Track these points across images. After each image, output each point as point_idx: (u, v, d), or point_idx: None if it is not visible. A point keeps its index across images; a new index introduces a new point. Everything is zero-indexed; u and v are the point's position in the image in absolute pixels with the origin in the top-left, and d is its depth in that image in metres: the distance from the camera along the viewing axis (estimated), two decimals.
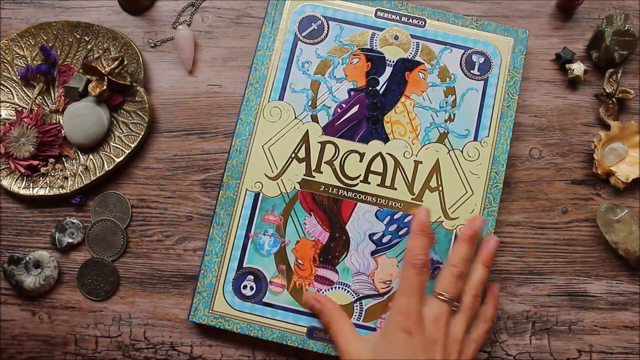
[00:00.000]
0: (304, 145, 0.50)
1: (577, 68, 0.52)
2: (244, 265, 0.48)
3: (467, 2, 0.54)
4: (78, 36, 0.53)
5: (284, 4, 0.52)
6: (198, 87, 0.53)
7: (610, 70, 0.52)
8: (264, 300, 0.48)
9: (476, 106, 0.50)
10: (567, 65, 0.53)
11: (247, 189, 0.49)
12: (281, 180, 0.49)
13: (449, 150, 0.50)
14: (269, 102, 0.50)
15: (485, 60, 0.51)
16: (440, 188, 0.49)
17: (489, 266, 0.46)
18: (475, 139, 0.50)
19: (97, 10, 0.55)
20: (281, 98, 0.50)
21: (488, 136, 0.50)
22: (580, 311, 0.50)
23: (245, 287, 0.48)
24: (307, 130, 0.50)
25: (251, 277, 0.48)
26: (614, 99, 0.52)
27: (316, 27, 0.52)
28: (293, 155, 0.50)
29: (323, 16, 0.52)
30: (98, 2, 0.55)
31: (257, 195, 0.49)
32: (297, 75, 0.51)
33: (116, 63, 0.51)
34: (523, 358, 0.49)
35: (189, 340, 0.50)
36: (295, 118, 0.50)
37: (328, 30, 0.52)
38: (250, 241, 0.49)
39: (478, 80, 0.51)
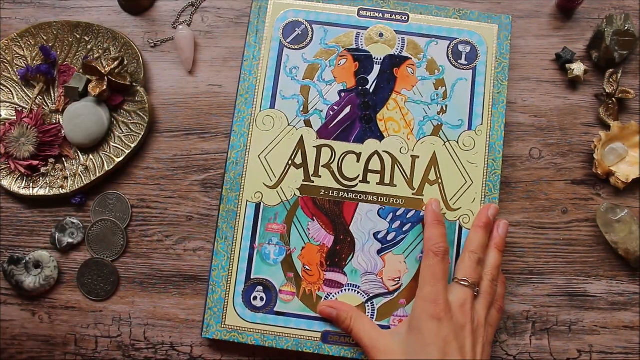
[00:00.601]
0: (300, 151, 0.50)
1: (577, 68, 0.52)
2: (252, 277, 0.48)
3: (467, 2, 0.54)
4: (78, 36, 0.53)
5: (266, 12, 0.52)
6: (198, 87, 0.53)
7: (610, 70, 0.52)
8: (275, 309, 0.48)
9: (467, 96, 0.51)
10: (567, 65, 0.53)
11: (247, 201, 0.49)
12: (280, 188, 0.49)
13: (445, 142, 0.50)
14: (260, 111, 0.50)
15: (472, 49, 0.51)
16: (440, 180, 0.49)
17: (502, 250, 0.47)
18: (470, 128, 0.50)
19: (97, 10, 0.55)
20: (272, 106, 0.50)
21: (482, 124, 0.50)
22: (580, 311, 0.50)
23: (255, 298, 0.48)
24: (302, 136, 0.50)
25: (260, 287, 0.48)
26: (614, 99, 0.52)
27: (300, 32, 0.52)
28: (290, 162, 0.50)
29: (306, 20, 0.52)
30: (98, 2, 0.55)
31: (258, 205, 0.49)
32: (286, 82, 0.51)
33: (116, 63, 0.51)
34: (523, 358, 0.49)
35: (189, 340, 0.50)
36: (289, 125, 0.50)
37: (312, 34, 0.52)
38: (255, 252, 0.48)
39: (466, 69, 0.51)
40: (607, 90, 0.52)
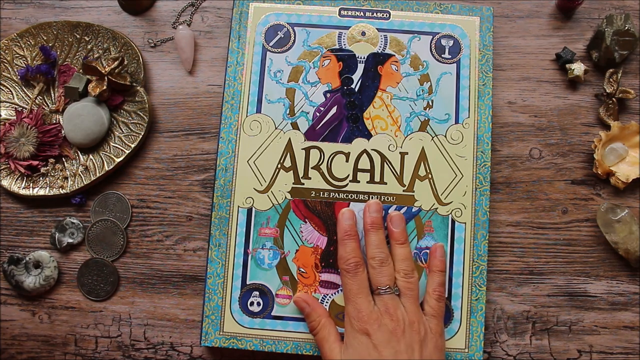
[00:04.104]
0: (288, 154, 0.50)
1: (577, 68, 0.52)
2: (248, 282, 0.48)
3: (467, 2, 0.54)
4: (78, 36, 0.53)
5: (247, 17, 0.52)
6: (198, 87, 0.53)
7: (611, 70, 0.52)
8: (272, 314, 0.48)
9: (452, 89, 0.51)
10: (567, 65, 0.53)
11: (238, 206, 0.49)
12: (271, 192, 0.49)
13: (433, 137, 0.50)
14: (247, 116, 0.50)
15: (455, 43, 0.51)
16: (430, 175, 0.49)
17: (403, 242, 0.47)
18: (457, 121, 0.50)
19: (97, 10, 0.55)
20: (259, 111, 0.50)
21: (469, 117, 0.50)
22: (580, 311, 0.50)
23: (252, 303, 0.48)
24: (290, 139, 0.50)
25: (256, 293, 0.48)
26: (614, 99, 0.52)
27: (283, 35, 0.52)
28: (279, 165, 0.50)
29: (287, 23, 0.52)
30: (98, 2, 0.55)
31: (249, 210, 0.49)
32: (271, 86, 0.51)
33: (116, 63, 0.51)
34: (523, 358, 0.49)
35: (189, 340, 0.50)
36: (276, 128, 0.50)
37: (295, 37, 0.52)
38: (249, 257, 0.49)
39: (450, 63, 0.51)
40: (607, 90, 0.52)
